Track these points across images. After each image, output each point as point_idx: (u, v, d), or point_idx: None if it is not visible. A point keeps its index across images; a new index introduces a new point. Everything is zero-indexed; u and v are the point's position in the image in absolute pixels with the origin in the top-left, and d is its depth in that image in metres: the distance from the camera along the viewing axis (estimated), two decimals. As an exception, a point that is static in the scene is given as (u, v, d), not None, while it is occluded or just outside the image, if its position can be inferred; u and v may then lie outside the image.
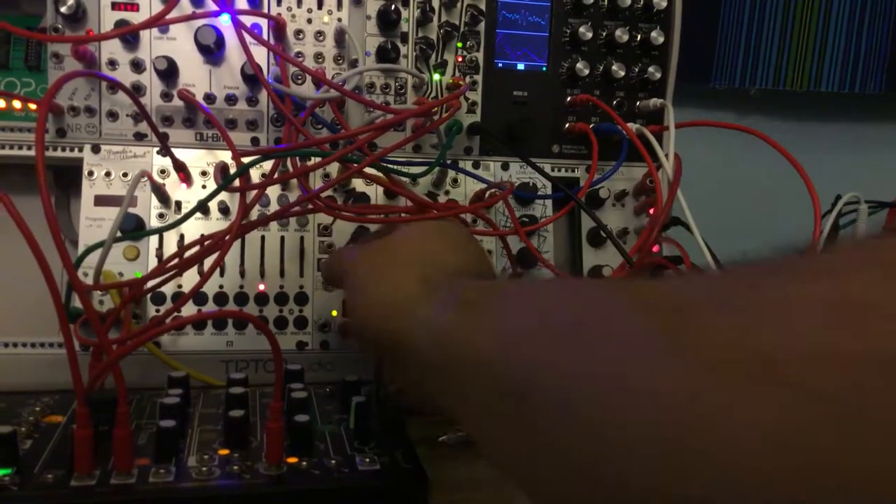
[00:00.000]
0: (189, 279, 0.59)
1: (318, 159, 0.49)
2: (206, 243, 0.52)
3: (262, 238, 0.62)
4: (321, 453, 0.45)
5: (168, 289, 0.59)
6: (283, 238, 0.62)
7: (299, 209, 0.55)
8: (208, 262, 0.59)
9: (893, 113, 1.26)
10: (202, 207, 0.56)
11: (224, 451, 0.45)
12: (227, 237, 0.45)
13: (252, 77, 0.61)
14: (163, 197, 0.60)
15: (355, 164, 0.49)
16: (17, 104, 0.66)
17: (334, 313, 0.62)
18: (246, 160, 0.49)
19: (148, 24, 0.58)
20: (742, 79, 1.22)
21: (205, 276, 0.46)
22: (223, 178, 0.59)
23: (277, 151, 0.53)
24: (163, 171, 0.61)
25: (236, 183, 0.49)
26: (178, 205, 0.61)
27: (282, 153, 0.53)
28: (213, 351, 0.60)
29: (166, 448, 0.44)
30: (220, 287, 0.61)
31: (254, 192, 0.50)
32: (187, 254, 0.52)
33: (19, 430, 0.45)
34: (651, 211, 0.67)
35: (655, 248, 0.66)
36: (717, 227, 1.14)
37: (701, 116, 1.26)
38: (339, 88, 0.53)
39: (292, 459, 0.44)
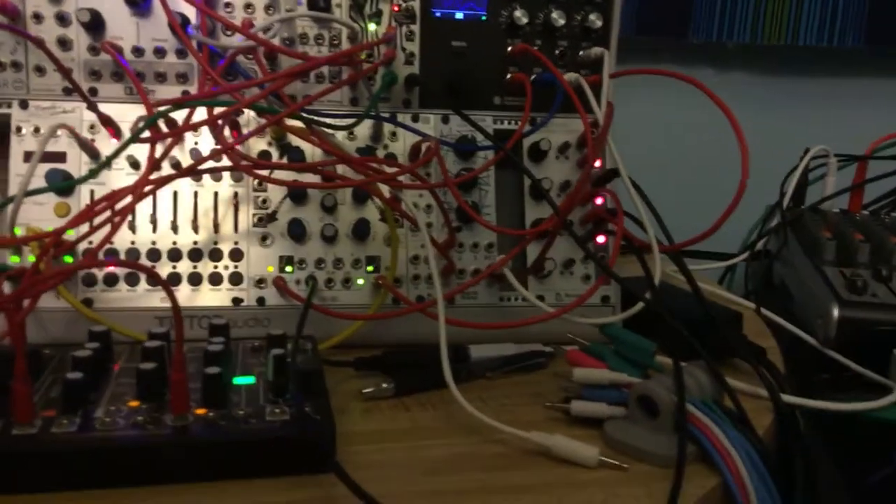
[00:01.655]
0: (125, 236, 0.59)
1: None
2: (127, 198, 0.51)
3: (196, 193, 0.61)
4: (234, 405, 0.45)
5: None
6: (216, 193, 0.62)
7: (216, 165, 0.54)
8: (144, 217, 0.60)
9: (872, 67, 1.23)
10: (109, 162, 0.55)
11: (134, 403, 0.45)
12: (133, 193, 0.44)
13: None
14: (92, 153, 0.60)
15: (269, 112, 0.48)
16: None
17: (270, 269, 0.62)
18: (158, 109, 0.48)
19: None
20: (719, 33, 1.19)
21: (110, 232, 0.46)
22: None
23: (188, 100, 0.52)
24: (92, 127, 0.60)
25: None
26: (109, 160, 0.60)
27: (192, 102, 0.52)
28: (147, 307, 0.59)
29: (73, 400, 0.43)
30: (153, 243, 0.60)
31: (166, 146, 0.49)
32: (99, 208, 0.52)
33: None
34: (598, 162, 0.66)
35: (600, 200, 0.65)
36: (674, 179, 1.13)
37: (679, 71, 1.24)
38: (253, 36, 0.52)
39: (200, 411, 0.44)
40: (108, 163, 0.52)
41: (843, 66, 1.23)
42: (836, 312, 0.68)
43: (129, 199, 0.47)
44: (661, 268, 0.57)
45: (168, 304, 0.59)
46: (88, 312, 0.55)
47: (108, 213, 0.51)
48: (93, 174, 0.52)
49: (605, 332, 0.54)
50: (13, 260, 0.57)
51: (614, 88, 0.68)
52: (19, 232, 0.55)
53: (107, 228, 0.52)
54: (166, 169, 0.60)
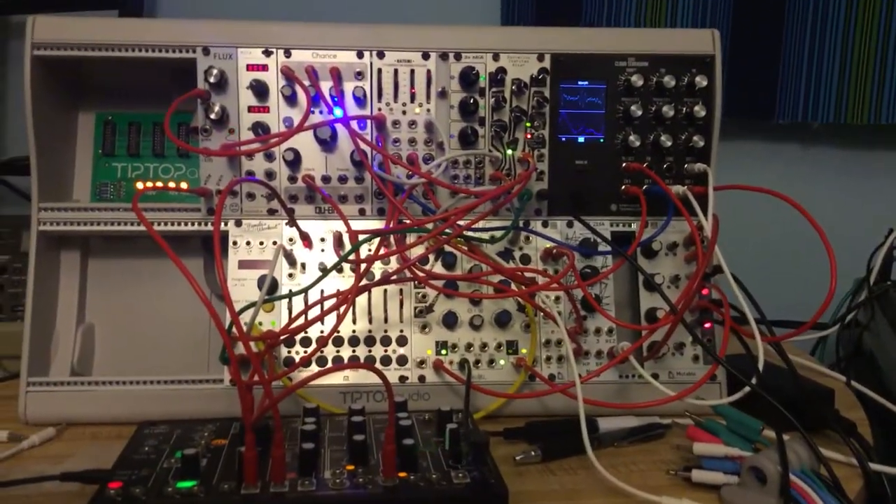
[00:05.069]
0: (316, 325, 0.73)
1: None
2: (325, 304, 0.66)
3: (370, 292, 0.76)
4: (424, 469, 0.58)
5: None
6: (385, 290, 0.76)
7: (398, 277, 0.68)
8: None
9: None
10: (325, 275, 0.71)
11: (350, 467, 0.58)
12: (349, 298, 0.59)
13: (358, 161, 0.75)
14: (291, 260, 0.75)
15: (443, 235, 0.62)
16: (171, 185, 0.83)
17: (429, 352, 0.75)
18: (361, 237, 0.63)
19: (286, 137, 0.73)
20: (804, 114, 1.28)
21: (328, 335, 0.60)
22: (339, 244, 0.74)
23: (386, 232, 0.67)
24: (290, 239, 0.76)
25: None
26: (303, 266, 0.75)
27: (388, 232, 0.67)
28: (333, 385, 0.74)
29: (308, 464, 0.57)
30: (338, 332, 0.74)
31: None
32: (311, 310, 0.67)
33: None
34: (701, 258, 0.77)
35: (706, 292, 0.76)
36: (769, 270, 1.21)
37: (766, 150, 1.34)
38: (428, 177, 0.67)
39: (402, 474, 0.57)
40: (328, 273, 0.68)
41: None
42: (919, 387, 0.77)
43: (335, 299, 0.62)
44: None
45: (350, 382, 0.74)
46: (302, 393, 0.70)
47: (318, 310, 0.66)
48: (304, 290, 0.68)
49: (718, 411, 0.65)
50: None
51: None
52: (258, 329, 0.71)
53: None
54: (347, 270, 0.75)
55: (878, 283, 1.02)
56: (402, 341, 0.75)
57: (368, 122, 0.76)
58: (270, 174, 0.76)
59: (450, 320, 0.75)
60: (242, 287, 0.75)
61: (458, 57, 0.77)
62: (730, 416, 0.62)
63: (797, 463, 0.57)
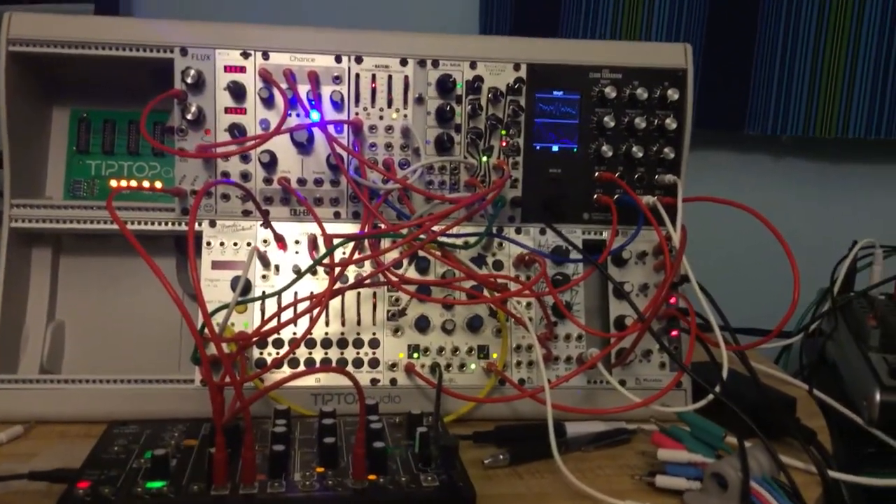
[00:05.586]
0: (289, 328, 0.74)
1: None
2: (299, 307, 0.66)
3: (343, 294, 0.76)
4: (393, 472, 0.58)
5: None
6: (359, 293, 0.76)
7: (372, 281, 0.69)
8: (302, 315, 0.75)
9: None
10: (299, 277, 0.71)
11: (320, 469, 0.58)
12: (323, 301, 0.59)
13: (334, 165, 0.75)
14: (265, 262, 0.75)
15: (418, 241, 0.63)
16: (146, 184, 0.83)
17: (401, 355, 0.76)
18: (336, 241, 0.63)
19: (264, 139, 0.73)
20: (774, 127, 1.31)
21: (301, 337, 0.60)
22: (313, 247, 0.74)
23: (361, 236, 0.68)
24: (265, 241, 0.76)
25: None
26: (277, 268, 0.76)
27: (363, 237, 0.67)
28: (305, 386, 0.74)
29: (278, 466, 0.57)
30: (311, 333, 0.75)
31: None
32: (285, 312, 0.67)
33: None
34: (670, 267, 0.78)
35: (673, 300, 0.78)
36: (736, 280, 1.23)
37: (736, 161, 1.37)
38: (404, 183, 0.68)
39: (372, 476, 0.57)
40: (295, 281, 0.68)
41: (891, 155, 1.33)
42: (877, 397, 0.79)
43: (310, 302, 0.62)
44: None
45: (322, 384, 0.74)
46: (274, 395, 0.70)
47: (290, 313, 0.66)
48: (279, 292, 0.68)
49: (682, 418, 0.66)
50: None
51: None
52: (230, 330, 0.71)
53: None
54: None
55: (841, 293, 1.04)
56: (374, 344, 0.76)
57: (345, 126, 0.76)
58: (246, 175, 0.76)
59: (422, 324, 0.76)
60: (215, 288, 0.75)
61: (435, 64, 0.78)
62: (694, 423, 0.64)
63: (758, 470, 0.59)
